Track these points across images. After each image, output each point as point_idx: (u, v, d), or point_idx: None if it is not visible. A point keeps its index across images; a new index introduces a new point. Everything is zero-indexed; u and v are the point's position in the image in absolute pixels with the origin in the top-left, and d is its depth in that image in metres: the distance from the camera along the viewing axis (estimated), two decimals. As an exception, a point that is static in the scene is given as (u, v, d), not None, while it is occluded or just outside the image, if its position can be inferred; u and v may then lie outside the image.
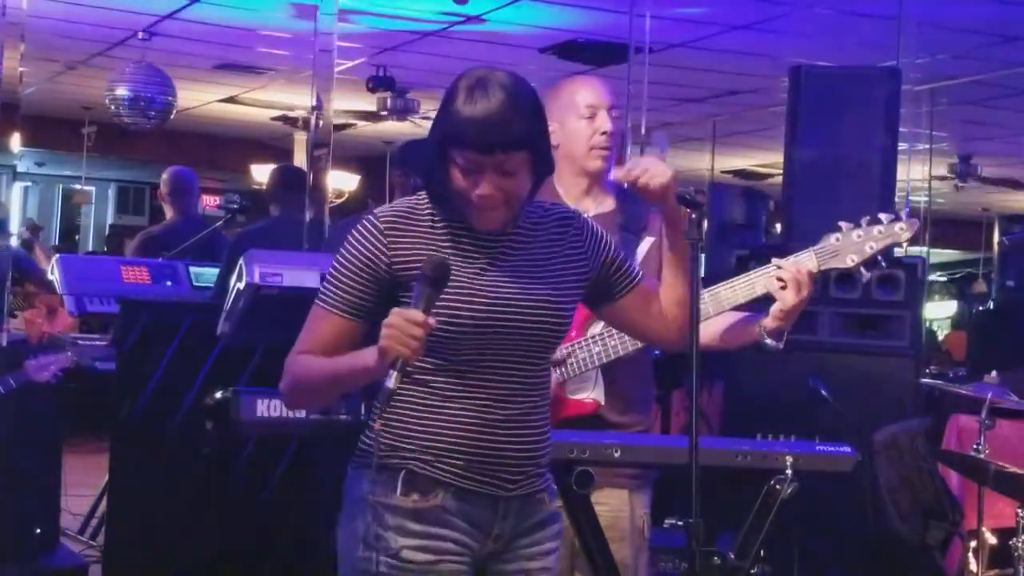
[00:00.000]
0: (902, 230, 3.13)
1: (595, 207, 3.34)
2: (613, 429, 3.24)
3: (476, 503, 2.49)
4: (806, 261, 3.08)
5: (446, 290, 2.38)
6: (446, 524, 2.48)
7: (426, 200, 2.52)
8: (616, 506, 3.29)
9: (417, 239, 2.47)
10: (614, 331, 3.18)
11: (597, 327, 3.20)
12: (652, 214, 3.27)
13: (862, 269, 3.14)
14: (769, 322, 3.06)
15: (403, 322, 2.28)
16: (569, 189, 3.36)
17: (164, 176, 7.28)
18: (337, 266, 2.50)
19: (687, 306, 2.62)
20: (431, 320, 2.31)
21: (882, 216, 3.15)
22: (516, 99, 2.39)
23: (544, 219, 2.58)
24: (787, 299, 3.02)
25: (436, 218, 2.50)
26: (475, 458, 2.47)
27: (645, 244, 3.31)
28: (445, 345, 2.43)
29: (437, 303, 2.35)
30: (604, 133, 3.31)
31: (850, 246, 3.13)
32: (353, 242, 2.49)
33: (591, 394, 3.26)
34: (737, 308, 3.16)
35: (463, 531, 2.49)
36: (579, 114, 3.33)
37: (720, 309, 3.13)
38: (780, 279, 3.04)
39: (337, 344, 2.48)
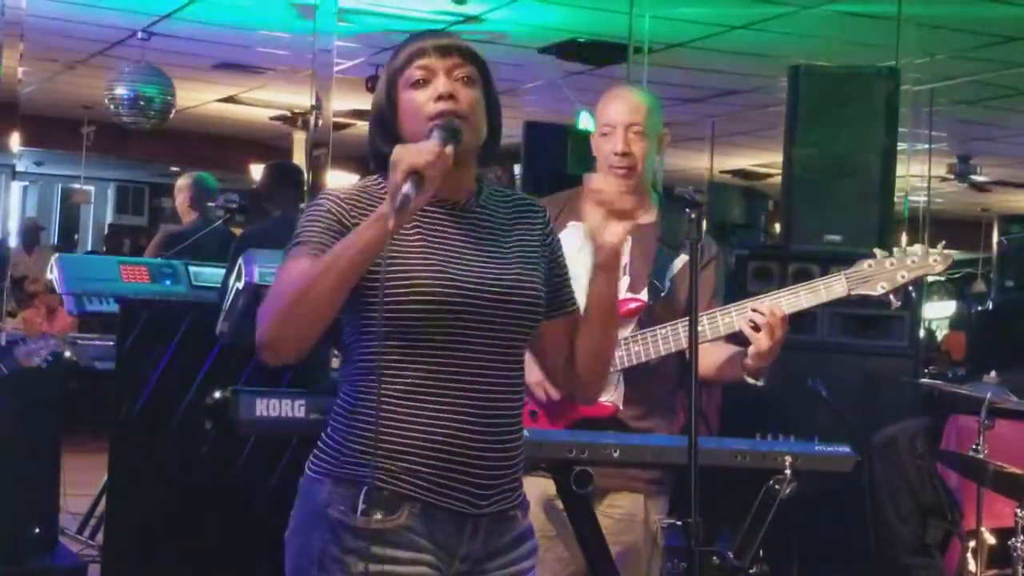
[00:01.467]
0: (936, 262, 3.15)
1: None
2: (632, 433, 3.24)
3: (443, 521, 2.27)
4: (793, 299, 3.10)
5: (410, 266, 2.22)
6: (411, 546, 2.25)
7: (378, 180, 2.36)
8: (630, 509, 3.29)
9: (369, 212, 2.25)
10: (638, 336, 3.19)
11: (623, 332, 3.21)
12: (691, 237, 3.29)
13: (891, 296, 3.15)
14: (748, 362, 3.10)
15: (409, 145, 2.17)
16: None
17: (188, 181, 7.24)
18: (298, 232, 2.30)
19: (606, 362, 2.46)
20: (448, 150, 2.16)
21: (918, 246, 3.16)
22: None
23: (507, 200, 2.45)
24: (761, 343, 3.06)
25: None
26: (448, 466, 2.24)
27: (681, 260, 3.31)
28: (414, 329, 2.22)
29: (402, 282, 2.20)
30: (616, 154, 3.29)
31: (882, 274, 3.13)
32: (313, 210, 2.32)
33: (610, 397, 3.25)
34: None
35: (430, 552, 2.26)
36: (600, 131, 3.33)
37: (716, 335, 3.14)
38: (753, 322, 3.04)
39: None
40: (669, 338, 3.18)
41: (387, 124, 2.36)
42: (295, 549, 2.38)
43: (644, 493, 3.29)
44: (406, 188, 2.08)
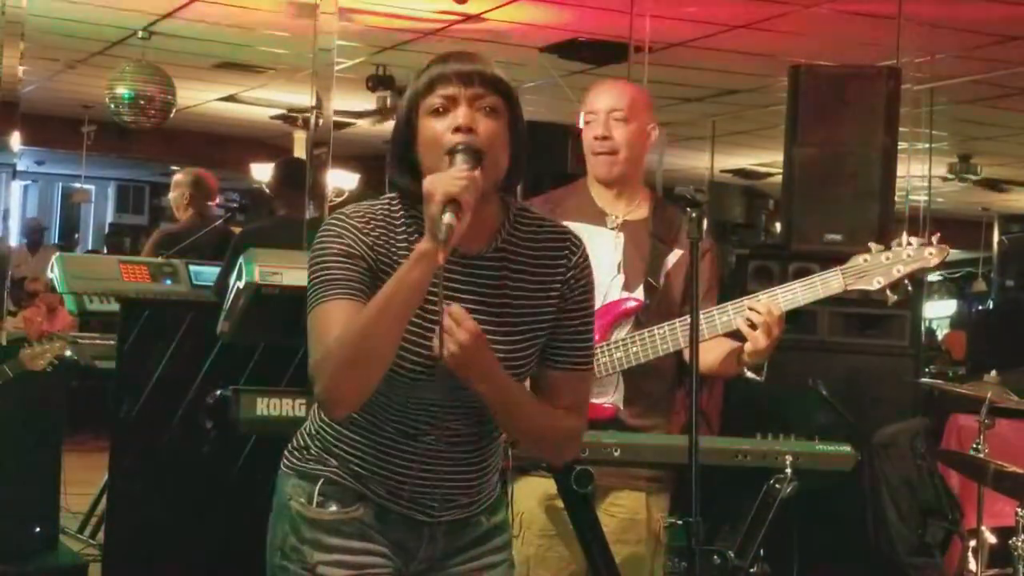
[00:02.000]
0: (931, 255, 3.14)
1: (626, 212, 3.35)
2: (632, 432, 3.24)
3: (399, 524, 2.33)
4: (787, 296, 3.11)
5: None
6: (367, 538, 2.32)
7: (393, 201, 2.30)
8: (633, 508, 3.29)
9: (391, 235, 2.25)
10: (636, 337, 3.19)
11: (621, 332, 3.21)
12: (685, 233, 3.30)
13: (888, 291, 3.15)
14: (746, 358, 3.11)
15: (440, 173, 2.12)
16: (600, 192, 3.37)
17: (187, 178, 7.18)
18: (319, 264, 2.22)
19: (542, 443, 2.40)
20: (476, 174, 2.12)
21: (912, 240, 3.16)
22: (493, 64, 2.27)
23: (536, 235, 2.32)
24: (758, 341, 3.07)
25: (409, 217, 2.27)
26: (401, 486, 2.31)
27: (674, 256, 3.32)
28: (396, 385, 2.23)
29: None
30: (597, 138, 3.31)
31: (878, 268, 3.13)
32: (327, 238, 2.24)
33: (611, 399, 3.25)
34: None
35: (385, 545, 2.33)
36: (585, 119, 3.35)
37: (714, 333, 3.15)
38: (750, 320, 3.05)
39: None
40: (667, 338, 3.17)
41: (404, 149, 2.28)
42: (268, 542, 2.44)
43: (645, 491, 3.29)
44: (447, 219, 2.06)
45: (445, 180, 2.10)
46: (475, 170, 2.14)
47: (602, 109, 3.33)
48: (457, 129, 2.19)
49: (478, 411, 2.30)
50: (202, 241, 6.79)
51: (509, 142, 2.25)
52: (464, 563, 2.40)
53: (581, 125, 3.39)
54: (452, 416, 2.30)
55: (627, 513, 3.26)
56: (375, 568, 2.32)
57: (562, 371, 2.34)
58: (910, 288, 3.19)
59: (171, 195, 7.29)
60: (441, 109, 2.21)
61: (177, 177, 7.27)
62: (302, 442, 2.41)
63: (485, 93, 2.21)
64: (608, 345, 3.20)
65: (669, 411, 3.42)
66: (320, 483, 2.33)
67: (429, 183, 2.10)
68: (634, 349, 3.18)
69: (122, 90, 9.47)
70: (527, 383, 2.35)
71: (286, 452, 2.44)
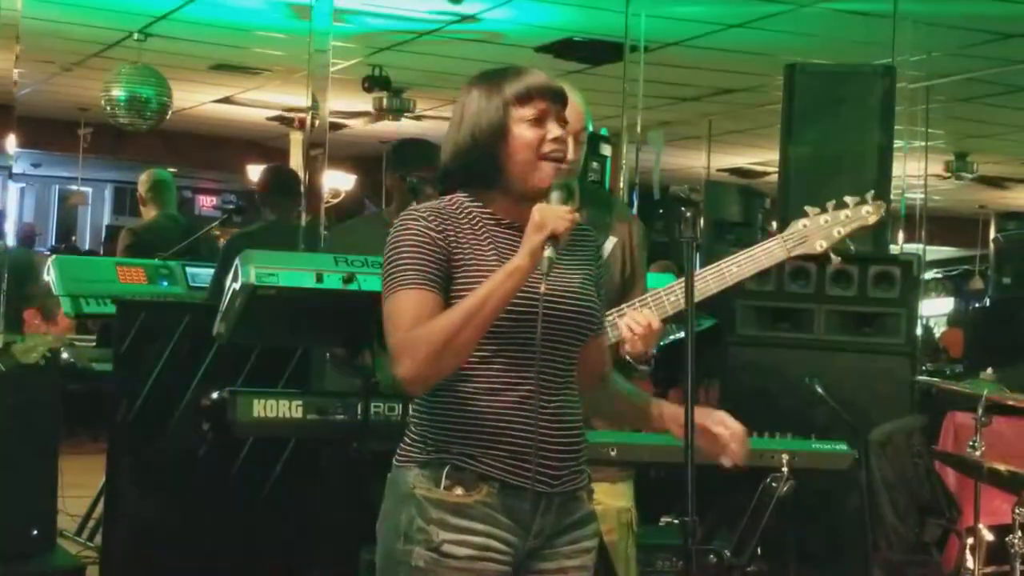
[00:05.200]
0: (868, 213, 3.15)
1: None
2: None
3: (520, 498, 2.46)
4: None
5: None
6: (489, 521, 2.45)
7: (460, 200, 2.54)
8: (600, 500, 3.28)
9: (460, 232, 2.49)
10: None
11: None
12: (615, 217, 3.31)
13: (831, 254, 3.15)
14: (629, 351, 3.13)
15: (550, 207, 2.40)
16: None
17: (143, 176, 7.35)
18: (394, 253, 2.46)
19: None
20: (577, 215, 2.41)
21: (848, 199, 3.17)
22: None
23: (578, 228, 2.59)
24: (636, 346, 3.10)
25: (474, 216, 2.51)
26: (521, 449, 2.45)
27: (609, 243, 3.33)
28: (498, 334, 2.43)
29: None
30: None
31: (818, 231, 3.15)
32: (403, 232, 2.47)
33: None
34: (727, 289, 3.19)
35: (506, 528, 2.47)
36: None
37: (723, 284, 3.15)
38: (631, 328, 3.08)
39: (433, 316, 2.41)
40: (618, 324, 3.15)
41: (487, 145, 2.50)
42: (384, 533, 2.53)
43: (609, 481, 3.30)
44: (549, 252, 2.36)
45: (554, 216, 2.38)
46: (572, 207, 2.42)
47: (571, 131, 3.24)
48: (557, 140, 2.50)
49: (566, 351, 2.52)
50: (167, 235, 6.89)
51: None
52: (568, 544, 2.56)
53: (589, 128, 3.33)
54: (547, 361, 2.47)
55: (598, 505, 3.26)
56: (495, 553, 2.45)
57: (598, 335, 2.68)
58: (852, 248, 3.20)
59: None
60: (534, 119, 2.49)
61: (140, 178, 7.44)
62: (417, 436, 2.52)
63: (566, 111, 2.55)
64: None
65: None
66: (447, 468, 2.46)
67: (539, 214, 2.38)
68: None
69: (118, 92, 9.47)
70: None
71: (400, 450, 2.55)
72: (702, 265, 3.43)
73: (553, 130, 2.50)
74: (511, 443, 2.45)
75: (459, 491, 2.45)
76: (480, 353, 2.44)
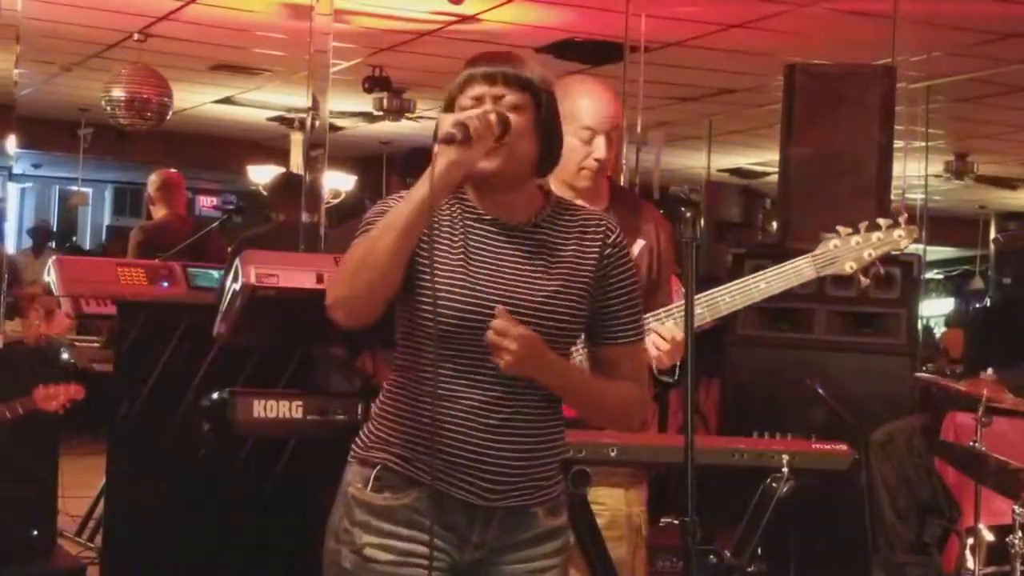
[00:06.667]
0: (900, 237, 3.14)
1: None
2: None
3: (452, 508, 2.38)
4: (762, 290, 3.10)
5: (447, 280, 2.36)
6: (416, 526, 2.38)
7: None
8: (613, 506, 3.29)
9: (434, 221, 2.41)
10: None
11: None
12: (643, 220, 3.31)
13: (860, 276, 3.15)
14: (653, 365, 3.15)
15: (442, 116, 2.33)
16: (561, 188, 3.36)
17: (151, 177, 7.58)
18: (369, 221, 2.41)
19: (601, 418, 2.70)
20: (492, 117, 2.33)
21: (881, 221, 3.16)
22: (528, 62, 2.45)
23: (573, 218, 2.51)
24: (662, 362, 3.12)
25: (454, 207, 2.45)
26: (454, 460, 2.36)
27: (636, 246, 3.32)
28: (443, 340, 2.35)
29: (431, 293, 2.33)
30: (597, 160, 3.26)
31: (848, 252, 3.13)
32: (378, 207, 2.45)
33: None
34: (735, 312, 3.19)
35: (438, 535, 2.37)
36: (575, 131, 3.23)
37: (749, 301, 3.15)
38: (655, 343, 3.11)
39: None
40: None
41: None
42: (327, 529, 2.51)
43: (623, 487, 3.30)
44: (450, 128, 2.28)
45: (444, 121, 2.31)
46: (498, 129, 2.33)
47: (603, 130, 3.25)
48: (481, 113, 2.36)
49: (527, 399, 2.41)
50: (174, 234, 7.01)
51: (537, 135, 2.43)
52: (519, 561, 2.45)
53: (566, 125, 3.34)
54: (501, 401, 2.38)
55: (609, 510, 3.27)
56: (423, 558, 2.36)
57: (617, 345, 2.51)
58: (882, 271, 3.20)
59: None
60: (470, 109, 2.39)
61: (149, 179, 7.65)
62: (366, 430, 2.50)
63: (507, 92, 2.40)
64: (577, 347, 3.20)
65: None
66: (377, 469, 2.42)
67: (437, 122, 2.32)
68: None
69: (119, 92, 9.47)
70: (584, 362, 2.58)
71: (353, 443, 2.51)
72: (701, 265, 3.44)
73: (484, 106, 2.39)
74: (449, 452, 2.35)
75: (387, 494, 2.40)
76: (429, 355, 2.36)
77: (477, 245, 2.42)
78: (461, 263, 2.39)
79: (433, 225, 2.38)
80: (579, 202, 3.30)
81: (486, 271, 2.40)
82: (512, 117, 2.38)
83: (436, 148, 2.30)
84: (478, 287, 2.38)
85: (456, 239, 2.42)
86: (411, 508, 2.39)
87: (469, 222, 2.44)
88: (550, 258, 2.44)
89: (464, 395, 2.38)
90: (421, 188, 2.30)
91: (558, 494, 2.50)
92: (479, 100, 2.39)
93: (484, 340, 2.33)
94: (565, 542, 2.53)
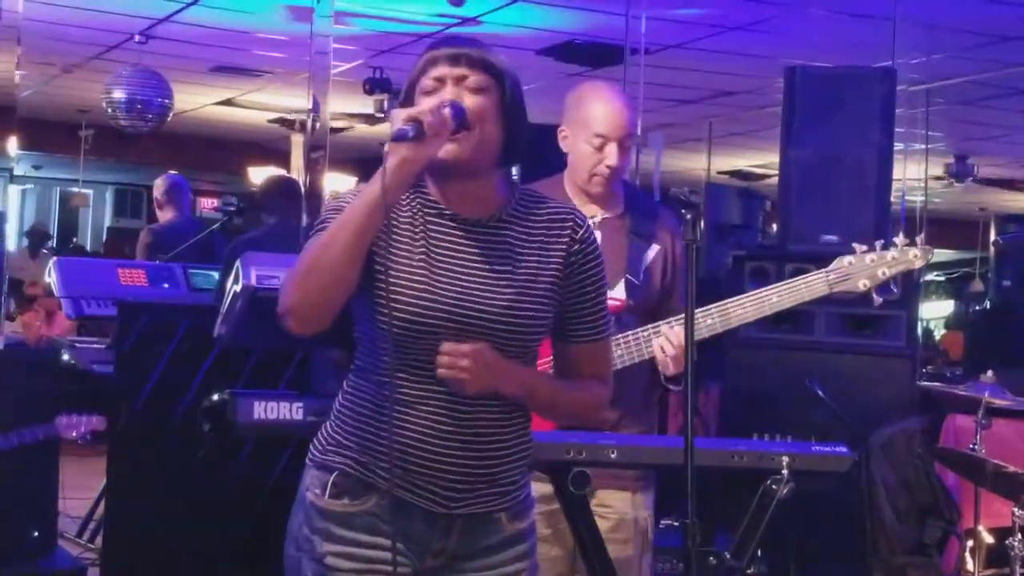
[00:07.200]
0: (916, 257, 3.15)
1: (602, 212, 3.35)
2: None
3: (412, 516, 2.32)
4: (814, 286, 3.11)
5: (405, 282, 2.28)
6: (377, 532, 2.31)
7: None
8: (620, 508, 3.29)
9: (397, 213, 2.33)
10: (620, 340, 3.19)
11: None
12: (659, 225, 3.32)
13: (874, 293, 3.15)
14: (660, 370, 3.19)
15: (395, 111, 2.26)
16: (575, 193, 3.37)
17: (158, 181, 7.67)
18: (325, 217, 2.33)
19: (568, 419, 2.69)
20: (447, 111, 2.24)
21: (896, 240, 3.16)
22: (491, 48, 2.37)
23: (540, 211, 2.40)
24: (668, 367, 3.15)
25: (415, 201, 2.36)
26: (414, 467, 2.30)
27: (652, 251, 3.32)
28: (400, 343, 2.27)
29: (393, 294, 2.25)
30: (609, 167, 3.27)
31: (863, 270, 3.14)
32: (335, 202, 2.36)
33: None
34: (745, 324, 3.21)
35: (398, 541, 2.28)
36: (588, 138, 3.26)
37: (761, 313, 3.16)
38: (663, 348, 3.13)
39: None
40: (652, 341, 3.19)
41: None
42: (286, 534, 2.47)
43: (631, 490, 3.31)
44: (402, 125, 2.19)
45: (396, 116, 2.23)
46: (457, 125, 2.24)
47: (615, 137, 3.26)
48: (442, 101, 2.28)
49: (488, 404, 2.34)
50: (184, 233, 7.10)
51: (501, 120, 2.34)
52: (483, 568, 2.39)
53: (567, 132, 3.35)
54: (460, 405, 2.31)
55: (616, 513, 3.27)
56: (383, 565, 2.28)
57: (581, 343, 2.44)
58: (895, 289, 3.21)
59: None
60: (432, 90, 2.32)
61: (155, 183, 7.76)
62: (323, 432, 2.43)
63: (471, 73, 2.32)
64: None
65: (646, 414, 3.41)
66: (334, 474, 2.35)
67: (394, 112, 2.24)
68: (618, 352, 3.16)
69: (119, 94, 9.47)
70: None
71: (310, 446, 2.45)
72: (701, 265, 3.44)
73: (446, 95, 2.29)
74: (408, 458, 2.29)
75: (345, 500, 2.34)
76: (387, 358, 2.28)
77: (439, 245, 2.33)
78: (423, 263, 2.30)
79: (391, 223, 2.29)
80: (592, 205, 3.33)
81: (448, 274, 2.30)
82: (476, 99, 2.30)
83: (387, 146, 2.20)
84: (438, 290, 2.29)
85: (417, 237, 2.33)
86: (371, 515, 2.32)
87: (430, 217, 2.34)
88: (514, 259, 2.35)
89: (422, 400, 2.30)
90: (373, 186, 2.21)
91: (524, 497, 2.45)
92: (441, 81, 2.31)
93: (436, 346, 2.25)
94: (531, 545, 2.46)
